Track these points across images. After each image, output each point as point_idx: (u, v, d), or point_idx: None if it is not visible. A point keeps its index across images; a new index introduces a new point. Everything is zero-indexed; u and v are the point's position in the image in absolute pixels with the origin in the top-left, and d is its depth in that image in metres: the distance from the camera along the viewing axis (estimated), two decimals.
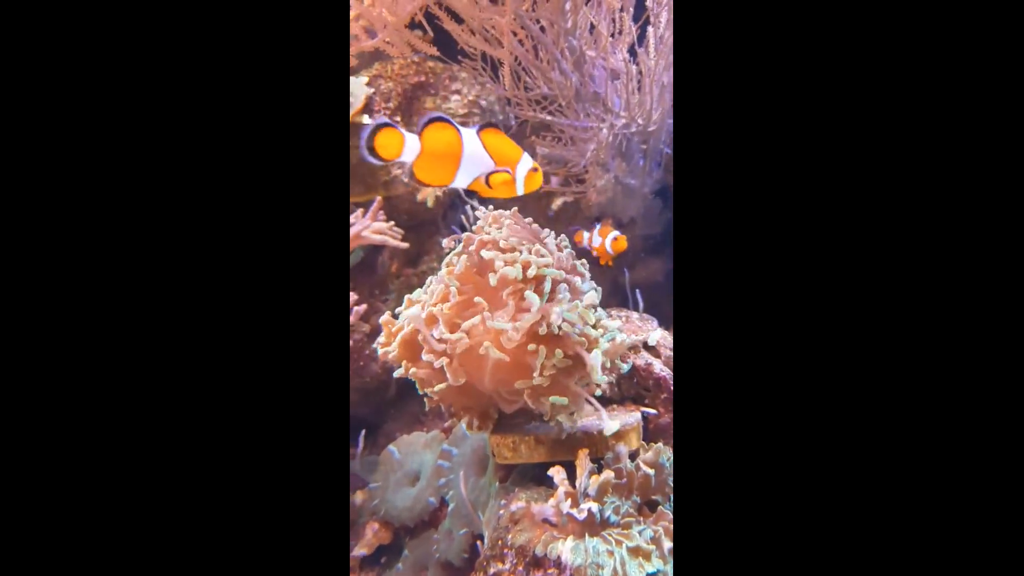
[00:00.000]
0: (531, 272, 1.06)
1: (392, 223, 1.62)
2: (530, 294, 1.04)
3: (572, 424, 1.16)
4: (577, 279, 1.15)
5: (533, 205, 1.80)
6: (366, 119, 1.66)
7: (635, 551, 1.01)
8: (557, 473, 1.11)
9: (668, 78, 1.71)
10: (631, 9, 1.73)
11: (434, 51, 1.78)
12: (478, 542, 1.31)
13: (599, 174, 1.79)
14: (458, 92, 1.73)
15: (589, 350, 1.06)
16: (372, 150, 0.95)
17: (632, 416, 1.22)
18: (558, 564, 1.01)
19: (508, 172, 1.00)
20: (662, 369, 1.33)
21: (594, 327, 1.09)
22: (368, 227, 1.59)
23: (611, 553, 1.00)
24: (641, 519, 1.09)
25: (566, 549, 1.01)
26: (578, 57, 1.73)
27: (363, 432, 1.65)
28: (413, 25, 1.79)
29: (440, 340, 1.09)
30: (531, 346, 1.03)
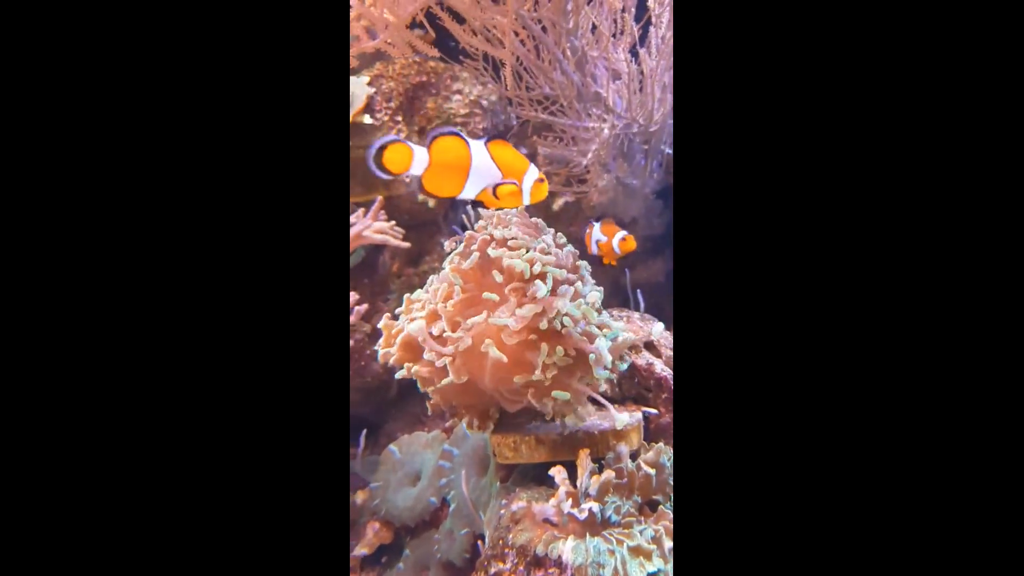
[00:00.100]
0: (536, 268, 1.07)
1: (393, 223, 1.62)
2: (539, 282, 1.05)
3: (577, 423, 1.16)
4: (579, 283, 1.15)
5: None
6: (367, 119, 1.66)
7: (636, 551, 1.01)
8: (558, 473, 1.11)
9: (669, 78, 1.71)
10: (632, 9, 1.73)
11: (435, 52, 1.78)
12: (479, 542, 1.31)
13: (600, 174, 1.79)
14: (459, 92, 1.73)
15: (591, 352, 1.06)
16: (380, 165, 0.96)
17: (633, 416, 1.22)
18: (559, 564, 1.01)
19: (515, 184, 1.01)
20: (663, 369, 1.33)
21: (598, 328, 1.10)
22: (369, 227, 1.59)
23: (612, 553, 1.00)
24: (642, 519, 1.09)
25: (567, 549, 1.01)
26: (580, 57, 1.73)
27: (364, 432, 1.65)
28: (414, 25, 1.79)
29: (441, 338, 1.09)
30: (532, 336, 1.04)
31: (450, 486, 1.46)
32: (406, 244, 1.63)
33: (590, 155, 1.78)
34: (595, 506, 1.05)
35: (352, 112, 1.64)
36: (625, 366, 1.23)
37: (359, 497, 1.60)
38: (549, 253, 1.14)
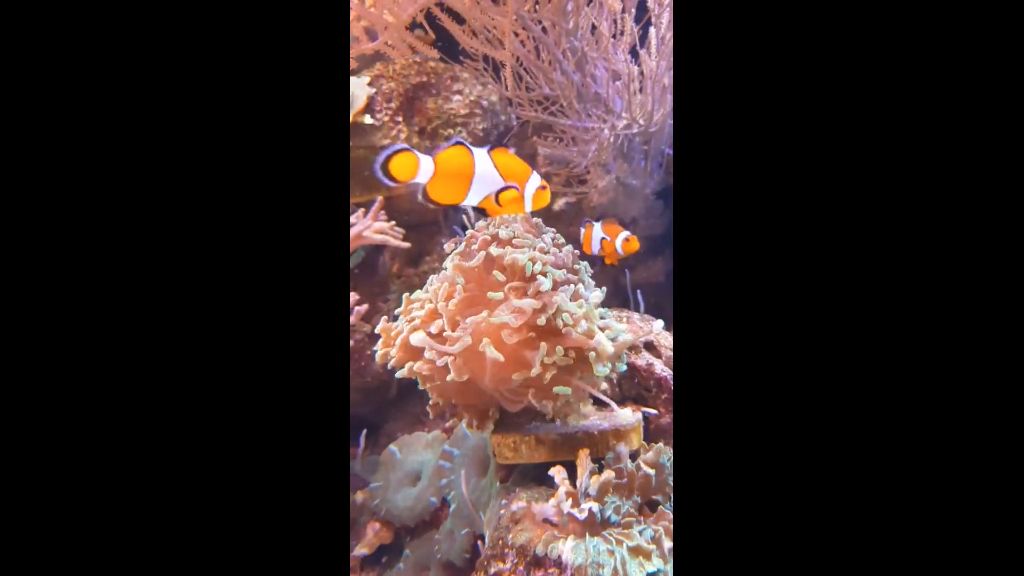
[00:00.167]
0: (537, 267, 1.08)
1: (393, 223, 1.63)
2: (541, 277, 1.06)
3: (579, 421, 1.16)
4: (580, 286, 1.16)
5: None
6: (368, 119, 1.66)
7: (635, 551, 1.01)
8: (558, 473, 1.11)
9: (669, 79, 1.71)
10: (632, 10, 1.73)
11: (435, 54, 1.78)
12: (479, 542, 1.31)
13: (601, 175, 1.80)
14: (460, 92, 1.73)
15: (592, 348, 1.07)
16: (387, 173, 0.98)
17: (633, 416, 1.23)
18: (559, 564, 1.01)
19: (517, 189, 1.02)
20: (663, 369, 1.33)
21: (602, 330, 1.10)
22: (369, 227, 1.59)
23: (612, 553, 1.00)
24: (641, 519, 1.09)
25: (567, 549, 1.02)
26: (580, 58, 1.73)
27: (364, 432, 1.65)
28: (414, 26, 1.79)
29: (441, 336, 1.09)
30: (531, 335, 1.04)
31: (450, 486, 1.46)
32: (406, 244, 1.63)
33: (590, 155, 1.78)
34: (595, 506, 1.05)
35: (352, 112, 1.64)
36: (624, 367, 1.23)
37: (359, 497, 1.61)
38: (548, 252, 1.14)
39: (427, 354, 1.10)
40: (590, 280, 1.21)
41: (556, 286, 1.10)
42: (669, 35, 1.70)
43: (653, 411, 1.29)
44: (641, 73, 1.72)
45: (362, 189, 1.68)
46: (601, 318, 1.14)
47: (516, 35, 1.72)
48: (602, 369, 1.08)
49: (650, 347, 1.38)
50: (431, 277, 1.21)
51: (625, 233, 1.61)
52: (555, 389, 1.07)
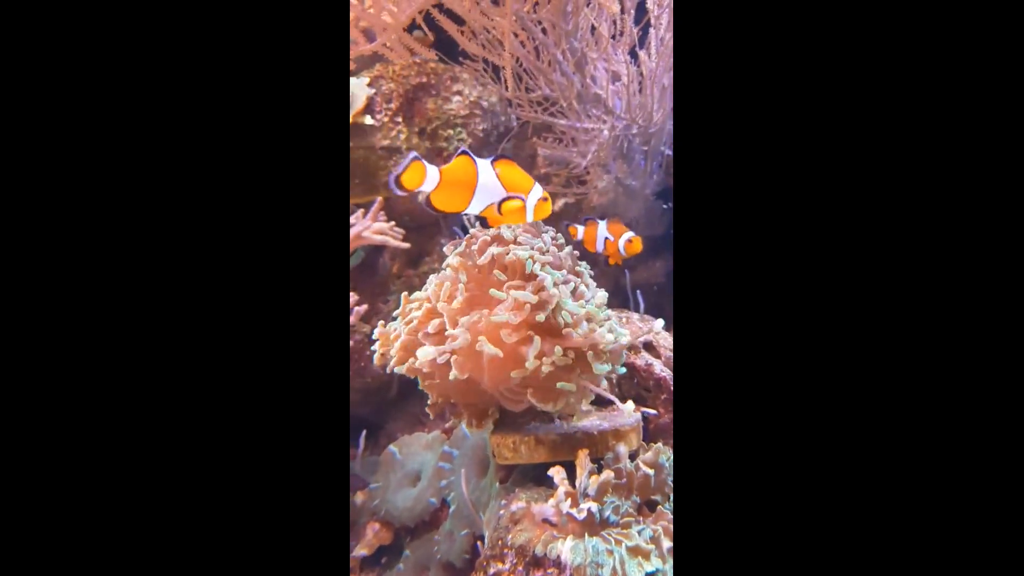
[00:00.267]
0: (536, 267, 1.09)
1: (393, 224, 1.63)
2: (542, 274, 1.06)
3: (581, 420, 1.17)
4: (583, 287, 1.16)
5: None
6: (368, 120, 1.66)
7: (634, 551, 1.01)
8: (557, 473, 1.11)
9: (669, 80, 1.71)
10: (632, 11, 1.73)
11: (433, 56, 1.78)
12: (479, 542, 1.31)
13: (600, 175, 1.80)
14: (459, 93, 1.73)
15: (591, 348, 1.07)
16: (399, 183, 1.01)
17: (632, 416, 1.23)
18: (558, 564, 1.01)
19: (520, 198, 1.04)
20: (662, 370, 1.33)
21: (608, 332, 1.10)
22: (369, 227, 1.59)
23: (611, 552, 1.00)
24: (641, 519, 1.09)
25: (566, 549, 1.02)
26: (579, 59, 1.73)
27: (364, 432, 1.65)
28: (413, 27, 1.79)
29: (441, 335, 1.10)
30: (530, 332, 1.04)
31: (450, 487, 1.46)
32: (406, 245, 1.63)
33: (590, 156, 1.78)
34: (594, 506, 1.05)
35: (352, 113, 1.64)
36: (623, 369, 1.23)
37: (359, 498, 1.61)
38: (547, 252, 1.15)
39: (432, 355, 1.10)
40: (591, 281, 1.21)
41: (555, 285, 1.10)
42: (668, 36, 1.70)
43: (652, 411, 1.29)
44: (640, 74, 1.72)
45: (362, 189, 1.68)
46: (606, 319, 1.14)
47: (516, 36, 1.72)
48: (602, 367, 1.08)
49: (649, 347, 1.38)
50: (431, 277, 1.21)
51: (629, 234, 1.61)
52: (559, 385, 1.07)
